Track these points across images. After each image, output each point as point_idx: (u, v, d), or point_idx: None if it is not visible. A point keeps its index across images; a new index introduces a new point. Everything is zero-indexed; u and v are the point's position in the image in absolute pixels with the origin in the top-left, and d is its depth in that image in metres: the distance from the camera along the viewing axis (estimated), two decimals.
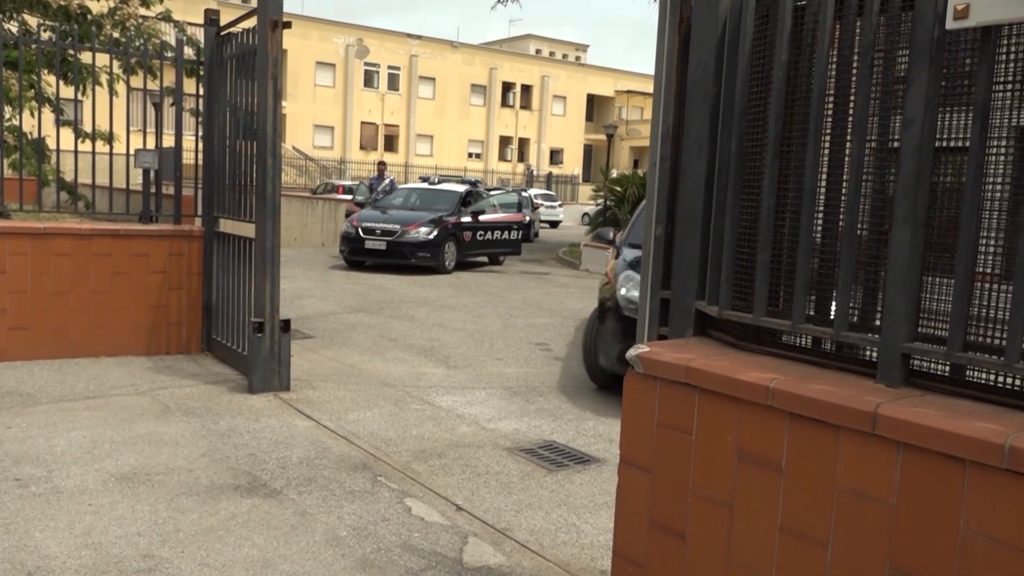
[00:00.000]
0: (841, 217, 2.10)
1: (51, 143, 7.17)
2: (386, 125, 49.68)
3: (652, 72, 2.70)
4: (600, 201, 22.90)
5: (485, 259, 16.85)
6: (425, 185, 17.59)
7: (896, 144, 1.99)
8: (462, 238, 15.47)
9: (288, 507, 3.75)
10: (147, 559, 3.21)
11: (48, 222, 6.53)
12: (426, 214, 15.13)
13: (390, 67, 49.68)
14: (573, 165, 56.00)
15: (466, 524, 3.73)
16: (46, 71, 7.54)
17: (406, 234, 14.52)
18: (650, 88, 2.72)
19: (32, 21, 9.20)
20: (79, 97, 6.77)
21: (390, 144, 49.67)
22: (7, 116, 7.86)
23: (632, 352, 2.44)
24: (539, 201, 31.78)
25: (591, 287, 13.90)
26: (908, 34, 1.95)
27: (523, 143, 55.75)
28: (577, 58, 63.43)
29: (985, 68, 1.78)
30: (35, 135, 6.83)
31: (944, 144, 1.92)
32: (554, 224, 33.76)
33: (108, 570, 3.11)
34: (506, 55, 55.95)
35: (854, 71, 2.08)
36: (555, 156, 56.30)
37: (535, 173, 49.55)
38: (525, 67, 55.49)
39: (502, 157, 54.50)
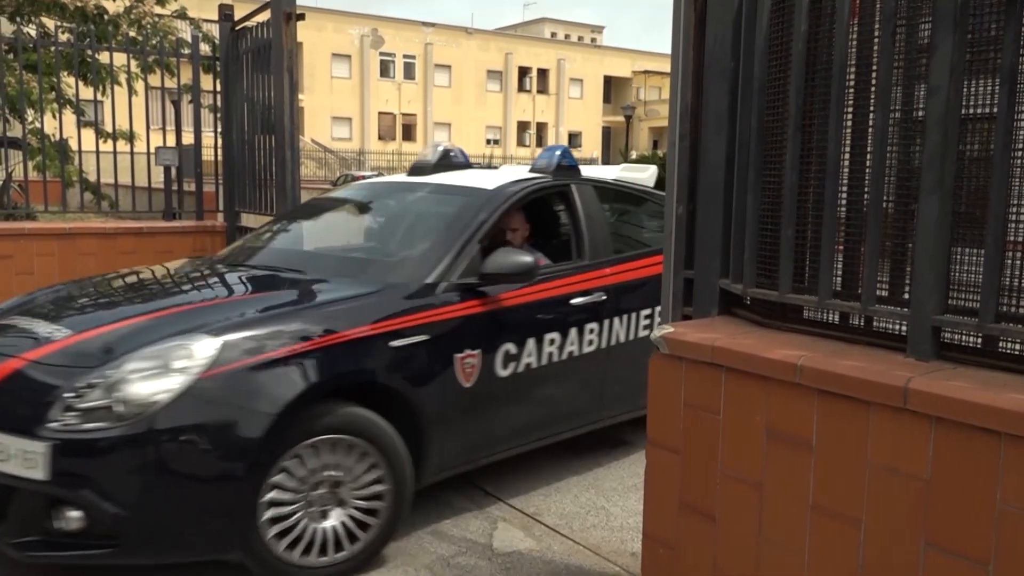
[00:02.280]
0: (866, 190, 2.06)
1: (73, 144, 7.25)
2: (404, 114, 49.66)
3: (669, 51, 2.66)
4: None
5: None
6: None
7: (921, 114, 1.95)
8: None
9: None
10: None
11: (73, 222, 6.60)
12: None
13: (405, 56, 49.60)
14: (592, 148, 55.67)
15: (495, 509, 3.74)
16: (66, 73, 7.60)
17: None
18: (667, 68, 2.68)
19: (50, 24, 9.27)
20: (99, 97, 6.82)
21: (408, 133, 49.67)
22: (29, 119, 7.94)
23: (657, 333, 2.42)
24: None
25: None
26: None
27: (541, 128, 55.50)
28: (593, 40, 62.99)
29: (1012, 31, 1.74)
30: (57, 137, 6.89)
31: (971, 112, 1.88)
32: None
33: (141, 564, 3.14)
34: (521, 40, 55.66)
35: (876, 40, 2.04)
36: (573, 139, 55.97)
37: None
38: (541, 51, 55.16)
39: (520, 142, 54.30)
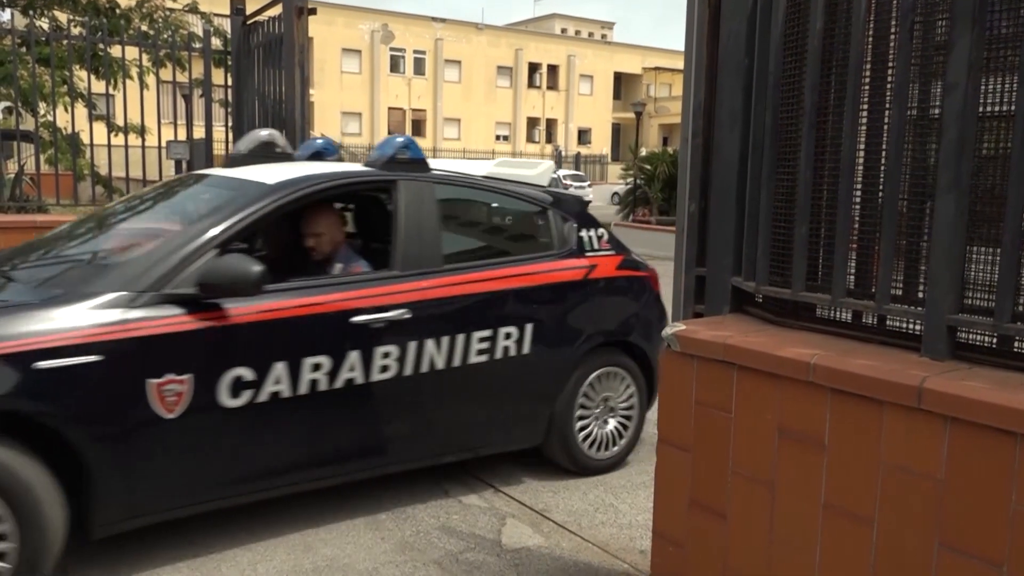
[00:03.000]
0: (881, 188, 2.05)
1: (85, 138, 7.27)
2: (413, 110, 49.66)
3: (680, 48, 2.65)
4: (629, 180, 22.77)
5: None
6: None
7: (937, 112, 1.93)
8: None
9: (327, 491, 3.77)
10: (191, 545, 3.25)
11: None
12: None
13: (415, 52, 49.58)
14: (601, 145, 55.57)
15: (504, 505, 3.74)
16: (78, 66, 7.62)
17: None
18: (678, 64, 2.67)
19: (62, 17, 9.30)
20: (110, 91, 6.84)
21: (418, 129, 49.65)
22: (41, 112, 7.97)
23: (668, 330, 2.41)
24: (568, 181, 31.65)
25: None
26: None
27: (551, 124, 55.42)
28: (603, 36, 62.83)
29: None
30: (69, 130, 6.92)
31: (988, 110, 1.86)
32: None
33: (153, 556, 3.16)
34: (531, 35, 55.56)
35: (892, 37, 2.03)
36: (583, 136, 55.90)
37: (563, 154, 49.27)
38: (551, 47, 55.05)
39: (530, 139, 54.24)
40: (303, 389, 3.17)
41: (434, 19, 50.32)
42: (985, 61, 1.83)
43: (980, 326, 1.87)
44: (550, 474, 4.12)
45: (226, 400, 3.01)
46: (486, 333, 3.64)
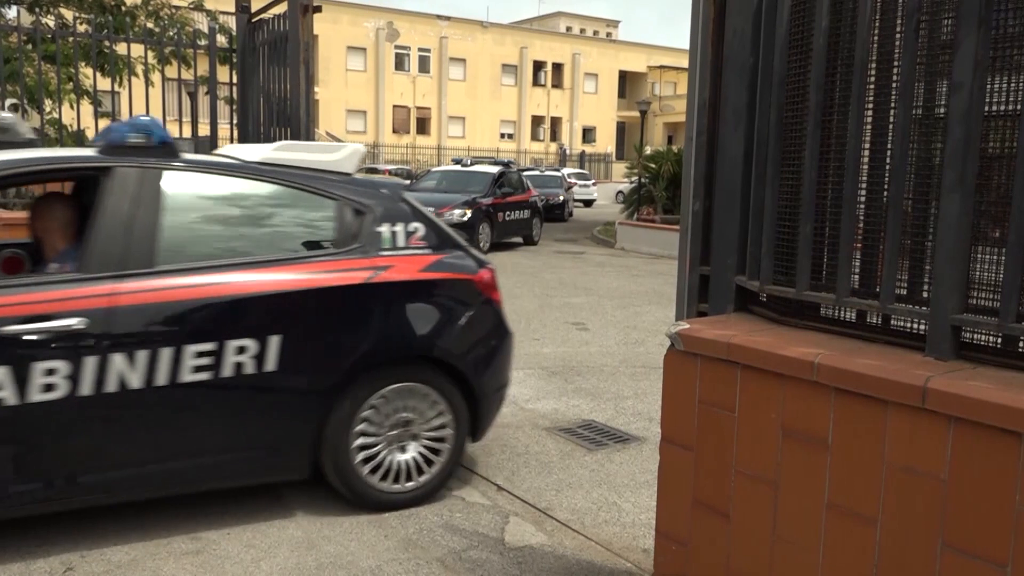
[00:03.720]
0: (886, 187, 2.05)
1: (91, 134, 7.29)
2: (418, 108, 49.66)
3: (685, 46, 2.65)
4: (634, 179, 22.77)
5: (520, 239, 16.92)
6: (458, 167, 17.63)
7: (943, 111, 1.93)
8: (496, 219, 15.50)
9: (330, 489, 3.78)
10: (195, 541, 3.26)
11: None
12: (460, 196, 15.17)
13: (420, 49, 49.57)
14: (606, 143, 55.54)
15: (507, 504, 3.74)
16: (83, 64, 7.64)
17: (440, 216, 14.56)
18: (683, 63, 2.66)
19: (68, 14, 9.33)
20: (116, 88, 6.86)
21: (422, 127, 49.69)
22: (47, 109, 7.99)
23: (672, 329, 2.41)
24: (572, 180, 31.66)
25: (627, 265, 13.82)
26: None
27: (555, 122, 55.39)
28: (608, 34, 62.77)
29: None
30: (75, 127, 6.95)
31: (994, 110, 1.85)
32: (588, 203, 33.61)
33: (158, 552, 3.17)
34: (536, 33, 55.52)
35: (898, 36, 2.02)
36: (588, 134, 55.85)
37: (568, 152, 49.27)
38: (556, 45, 55.02)
39: (535, 137, 54.21)
40: None
41: (439, 17, 50.31)
42: (991, 60, 1.82)
43: (984, 326, 1.87)
44: (552, 473, 4.12)
45: None
46: (208, 347, 3.10)
